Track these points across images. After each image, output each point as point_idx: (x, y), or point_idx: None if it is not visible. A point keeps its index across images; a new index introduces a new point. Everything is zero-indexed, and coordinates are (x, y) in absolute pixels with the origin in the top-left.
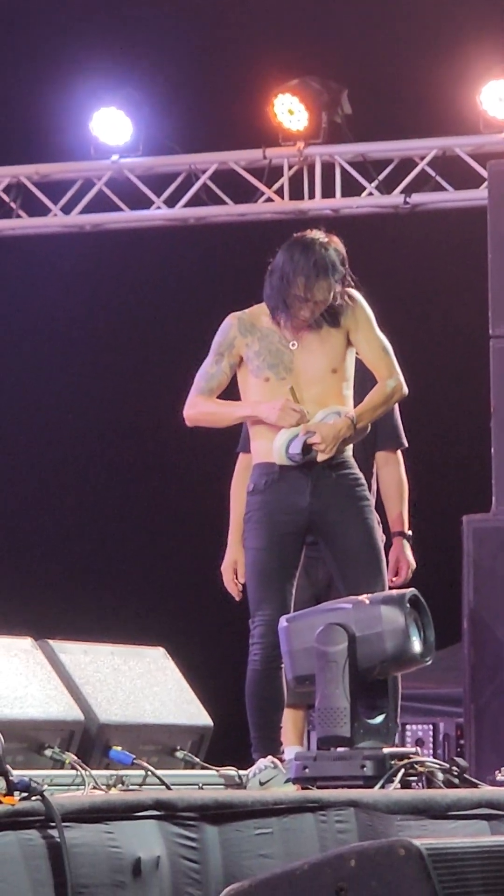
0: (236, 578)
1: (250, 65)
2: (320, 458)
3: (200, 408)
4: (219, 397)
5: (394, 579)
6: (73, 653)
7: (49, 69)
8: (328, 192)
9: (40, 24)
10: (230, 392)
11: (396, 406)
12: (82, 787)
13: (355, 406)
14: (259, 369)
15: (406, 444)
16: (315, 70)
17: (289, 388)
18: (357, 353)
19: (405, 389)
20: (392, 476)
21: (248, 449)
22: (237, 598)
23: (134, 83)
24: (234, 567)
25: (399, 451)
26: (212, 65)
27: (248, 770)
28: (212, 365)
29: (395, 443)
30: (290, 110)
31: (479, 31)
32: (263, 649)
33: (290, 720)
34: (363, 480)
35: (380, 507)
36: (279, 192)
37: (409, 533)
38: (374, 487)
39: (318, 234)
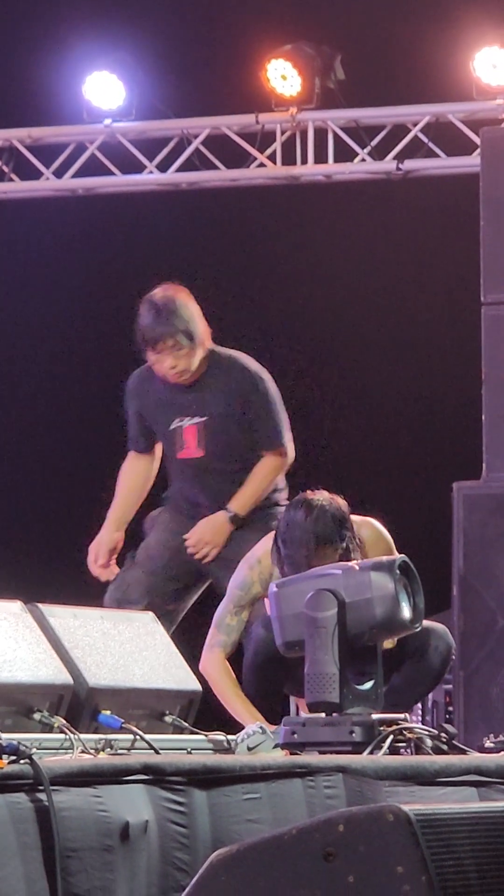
0: (106, 561)
1: (244, 29)
2: None
3: (216, 680)
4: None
5: (191, 548)
6: (63, 616)
7: (42, 32)
8: (321, 158)
9: None
10: None
11: (278, 407)
12: (71, 750)
13: None
14: None
15: (284, 445)
16: (308, 35)
17: None
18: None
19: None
20: (259, 467)
21: (141, 449)
22: (102, 579)
23: (127, 47)
24: (108, 549)
25: (278, 452)
26: (205, 29)
27: (237, 735)
28: (232, 616)
29: (273, 444)
30: (283, 76)
31: None
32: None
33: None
34: None
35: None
36: (272, 158)
37: (239, 514)
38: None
39: (318, 498)
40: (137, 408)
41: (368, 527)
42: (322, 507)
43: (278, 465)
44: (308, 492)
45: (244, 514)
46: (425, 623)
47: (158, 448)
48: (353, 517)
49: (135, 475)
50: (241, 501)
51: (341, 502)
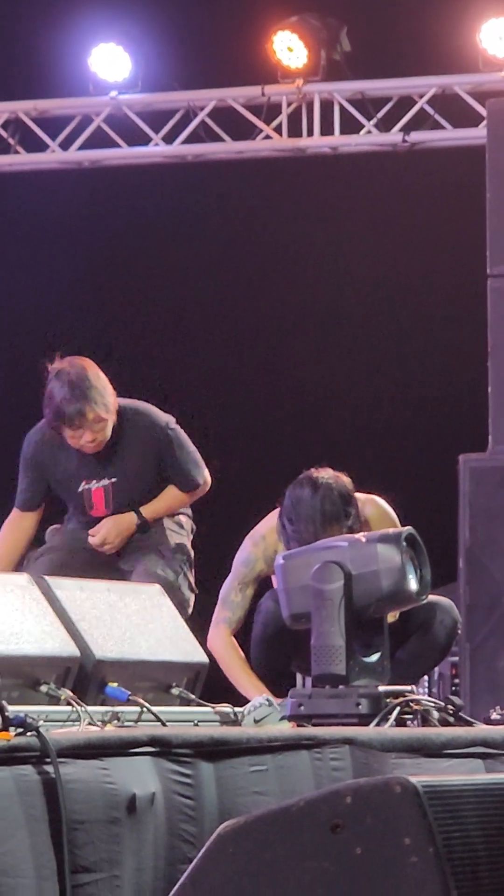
0: None
1: (250, 1)
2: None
3: (223, 655)
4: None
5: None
6: (69, 589)
7: (48, 4)
8: (327, 130)
9: None
10: None
11: (188, 450)
12: (78, 723)
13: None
14: None
15: (195, 489)
16: (314, 7)
17: None
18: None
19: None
20: (173, 491)
21: (30, 507)
22: None
23: (133, 19)
24: None
25: (191, 492)
26: (212, 1)
27: (244, 707)
28: (237, 592)
29: (186, 487)
30: (289, 47)
31: None
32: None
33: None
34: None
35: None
36: (278, 130)
37: (147, 522)
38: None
39: (324, 476)
40: (41, 472)
41: (373, 504)
42: (328, 485)
43: (190, 497)
44: (313, 469)
45: (150, 522)
46: (431, 597)
47: (42, 508)
48: (358, 495)
49: (19, 534)
50: (152, 511)
51: (346, 480)
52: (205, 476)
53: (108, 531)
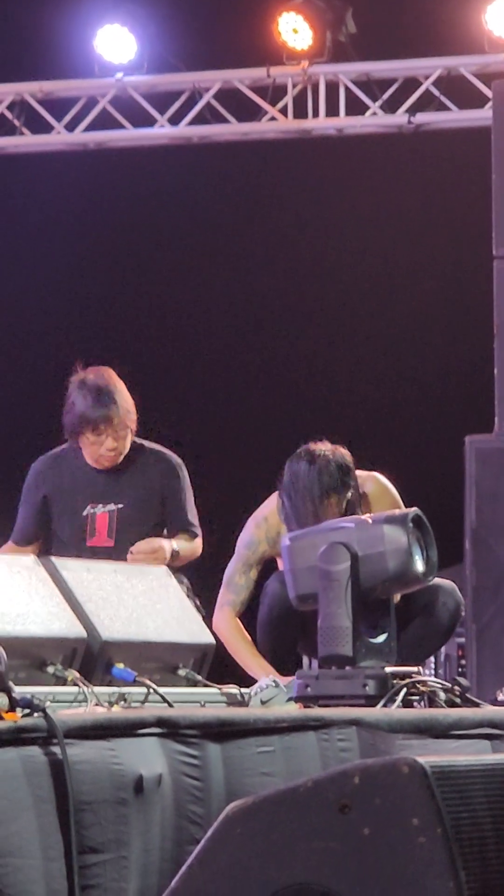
0: None
1: None
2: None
3: (228, 638)
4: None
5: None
6: (76, 570)
7: None
8: (332, 112)
9: None
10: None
11: (190, 495)
12: (84, 703)
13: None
14: None
15: (190, 529)
16: None
17: None
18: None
19: None
20: (185, 539)
21: (27, 542)
22: None
23: (138, 0)
24: None
25: (188, 534)
26: None
27: (251, 688)
28: (240, 575)
29: (184, 526)
30: (294, 29)
31: None
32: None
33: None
34: None
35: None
36: (283, 111)
37: (177, 555)
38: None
39: (321, 448)
40: (45, 492)
41: (373, 481)
42: (326, 457)
43: (195, 547)
44: (311, 443)
45: (178, 557)
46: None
47: (37, 544)
48: (359, 472)
49: None
50: (182, 548)
51: (345, 452)
52: (201, 532)
53: (161, 546)
